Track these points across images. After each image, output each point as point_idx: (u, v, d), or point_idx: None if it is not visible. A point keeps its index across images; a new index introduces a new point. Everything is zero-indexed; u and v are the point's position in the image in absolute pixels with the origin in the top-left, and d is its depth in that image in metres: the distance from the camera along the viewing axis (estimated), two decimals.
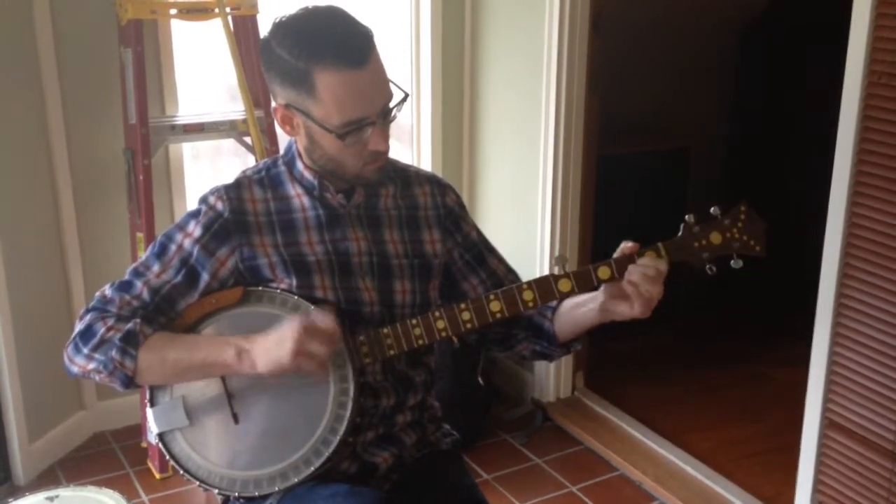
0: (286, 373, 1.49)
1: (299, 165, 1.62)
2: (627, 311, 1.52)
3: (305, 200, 1.62)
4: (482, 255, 1.75)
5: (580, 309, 1.60)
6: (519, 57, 3.27)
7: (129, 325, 1.53)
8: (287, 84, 1.51)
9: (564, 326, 1.65)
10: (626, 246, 1.53)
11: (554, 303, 1.61)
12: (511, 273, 1.76)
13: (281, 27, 1.51)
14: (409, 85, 3.49)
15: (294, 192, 1.62)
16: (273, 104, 1.57)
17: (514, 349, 1.75)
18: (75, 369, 1.57)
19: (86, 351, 1.54)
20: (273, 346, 1.48)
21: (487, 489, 2.85)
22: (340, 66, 1.46)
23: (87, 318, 1.56)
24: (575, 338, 1.66)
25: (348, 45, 1.47)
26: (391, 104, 1.54)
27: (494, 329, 1.67)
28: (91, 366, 1.55)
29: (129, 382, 1.55)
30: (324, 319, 1.48)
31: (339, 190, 1.62)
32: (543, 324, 1.68)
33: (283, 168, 1.64)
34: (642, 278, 1.48)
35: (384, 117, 1.53)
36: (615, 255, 1.53)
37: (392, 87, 1.54)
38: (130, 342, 1.52)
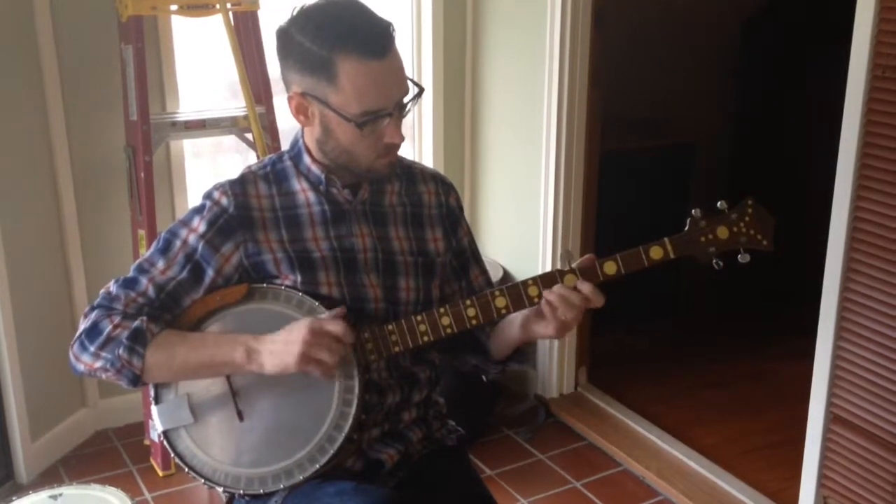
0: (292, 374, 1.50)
1: (306, 160, 1.61)
2: (542, 330, 1.54)
3: (311, 196, 1.61)
4: (468, 263, 1.76)
5: (508, 325, 1.61)
6: (521, 52, 3.26)
7: (137, 323, 1.52)
8: (306, 71, 1.50)
9: (497, 343, 1.67)
10: (587, 257, 1.54)
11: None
12: (489, 286, 1.76)
13: (303, 15, 1.51)
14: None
15: (299, 187, 1.61)
16: (288, 93, 1.56)
17: (457, 359, 1.76)
18: (81, 367, 1.56)
19: (92, 349, 1.54)
20: (281, 347, 1.49)
21: (491, 485, 2.82)
22: (363, 56, 1.46)
23: (93, 315, 1.56)
24: (509, 356, 1.67)
25: (371, 35, 1.48)
26: (406, 98, 1.54)
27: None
28: (98, 364, 1.54)
29: (137, 381, 1.54)
30: (334, 325, 1.48)
31: (346, 185, 1.62)
32: (481, 337, 1.69)
33: (288, 163, 1.63)
34: (560, 300, 1.49)
35: (400, 110, 1.53)
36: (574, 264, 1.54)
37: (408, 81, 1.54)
38: (138, 340, 1.51)
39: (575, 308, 1.50)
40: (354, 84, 1.47)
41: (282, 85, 1.60)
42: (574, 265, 1.54)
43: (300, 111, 1.56)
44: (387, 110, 1.51)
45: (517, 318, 1.58)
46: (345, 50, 1.46)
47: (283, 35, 1.52)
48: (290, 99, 1.56)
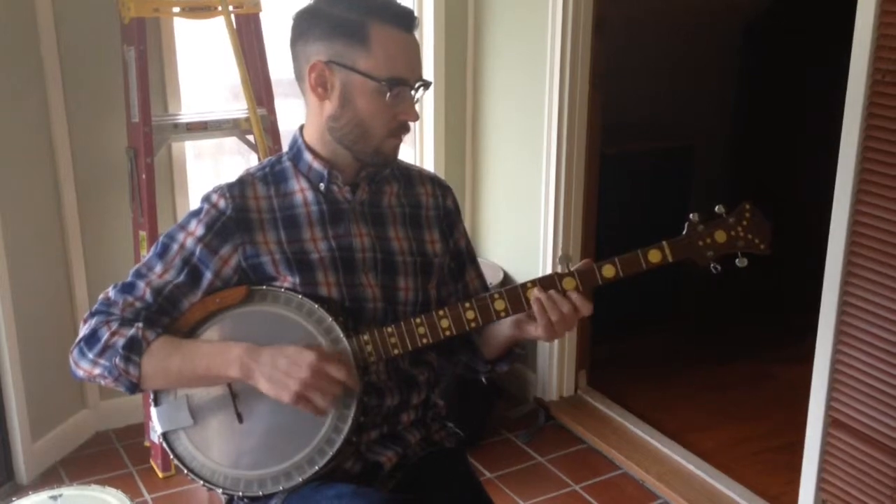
0: None
1: (307, 157, 1.62)
2: (532, 331, 1.56)
3: (308, 195, 1.61)
4: (464, 265, 1.77)
5: (500, 323, 1.61)
6: (522, 55, 3.27)
7: (132, 331, 1.52)
8: (336, 36, 1.53)
9: (488, 341, 1.68)
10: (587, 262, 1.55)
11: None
12: (484, 289, 1.77)
13: None
14: None
15: (298, 186, 1.62)
16: (308, 66, 1.55)
17: (451, 359, 1.77)
18: (81, 373, 1.57)
19: (91, 356, 1.54)
20: (280, 378, 1.48)
21: (491, 488, 2.83)
22: (396, 25, 1.53)
23: (92, 322, 1.56)
24: (499, 356, 1.69)
25: (403, 10, 1.55)
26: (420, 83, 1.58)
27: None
28: (96, 371, 1.54)
29: (135, 388, 1.55)
30: (338, 370, 1.49)
31: (346, 183, 1.62)
32: (472, 336, 1.70)
33: (287, 164, 1.64)
34: (548, 301, 1.52)
35: (417, 90, 1.57)
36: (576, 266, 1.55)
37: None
38: (133, 349, 1.52)
39: (560, 312, 1.51)
40: (386, 49, 1.52)
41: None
42: (572, 269, 1.54)
43: (319, 82, 1.55)
44: (410, 82, 1.55)
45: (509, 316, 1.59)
46: (380, 17, 1.52)
47: (309, 12, 1.56)
48: (310, 70, 1.55)
